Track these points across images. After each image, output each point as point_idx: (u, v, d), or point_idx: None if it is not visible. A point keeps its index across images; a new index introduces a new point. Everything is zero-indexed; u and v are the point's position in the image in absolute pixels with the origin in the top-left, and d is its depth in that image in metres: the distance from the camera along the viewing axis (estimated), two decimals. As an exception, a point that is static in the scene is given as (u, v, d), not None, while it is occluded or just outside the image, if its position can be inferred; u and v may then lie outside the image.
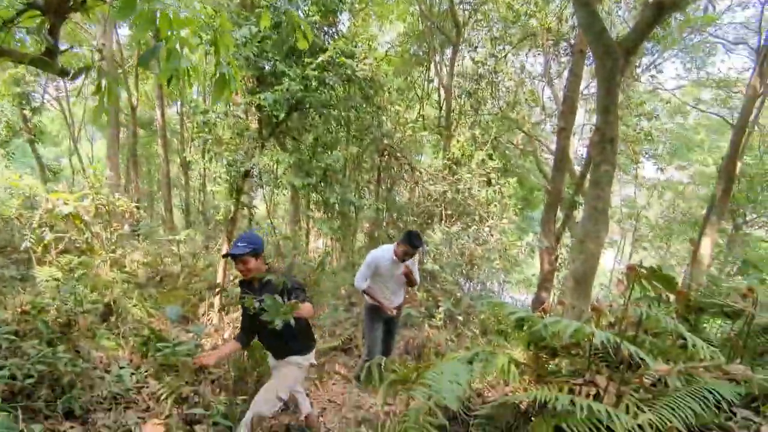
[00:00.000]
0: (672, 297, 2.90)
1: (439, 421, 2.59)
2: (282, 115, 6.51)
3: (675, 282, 2.67)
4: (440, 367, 2.77)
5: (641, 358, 2.18)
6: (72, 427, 3.35)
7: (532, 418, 2.86)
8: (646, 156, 13.07)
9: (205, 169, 17.84)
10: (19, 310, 4.22)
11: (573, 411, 2.12)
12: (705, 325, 2.76)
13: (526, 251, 7.76)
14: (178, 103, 18.77)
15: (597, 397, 2.23)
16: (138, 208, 7.44)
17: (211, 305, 6.62)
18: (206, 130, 6.50)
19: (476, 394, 3.05)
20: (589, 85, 13.66)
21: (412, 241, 4.23)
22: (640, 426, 1.99)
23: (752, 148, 12.63)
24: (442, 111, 9.39)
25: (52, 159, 20.78)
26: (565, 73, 12.65)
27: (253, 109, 6.47)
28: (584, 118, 14.46)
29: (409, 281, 4.53)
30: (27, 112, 12.99)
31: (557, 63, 12.82)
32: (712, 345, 2.40)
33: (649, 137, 10.41)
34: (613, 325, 2.84)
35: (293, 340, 3.12)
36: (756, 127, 11.33)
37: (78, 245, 5.95)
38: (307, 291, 3.18)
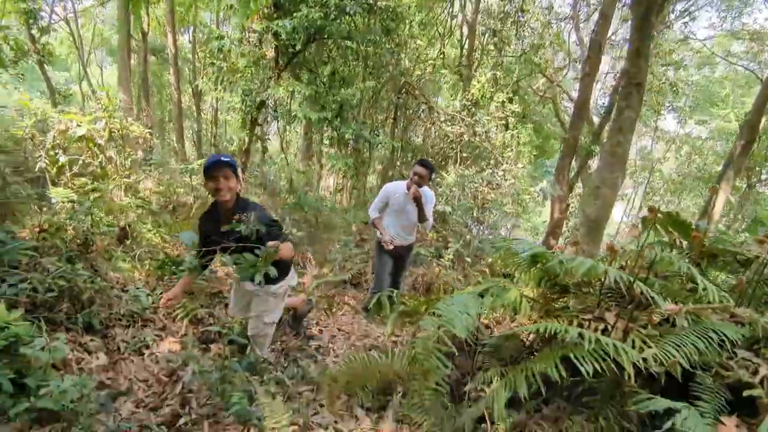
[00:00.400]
0: (685, 244, 2.93)
1: (447, 349, 2.71)
2: (299, 45, 6.34)
3: (690, 228, 2.69)
4: (451, 300, 2.87)
5: (651, 297, 2.24)
6: (92, 340, 3.52)
7: (536, 352, 2.98)
8: (668, 108, 12.70)
9: (217, 100, 17.64)
10: (37, 228, 4.32)
11: (580, 343, 2.21)
12: (717, 273, 2.80)
13: (539, 198, 7.74)
14: (190, 30, 18.25)
15: (605, 333, 2.30)
16: (151, 135, 7.41)
17: (224, 234, 6.73)
18: (221, 57, 6.37)
19: (485, 326, 3.15)
20: (617, 30, 13.08)
21: (421, 162, 4.32)
22: (644, 359, 2.08)
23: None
24: (464, 50, 9.07)
25: (62, 83, 20.53)
26: (594, 16, 12.10)
27: (270, 37, 6.29)
28: (608, 65, 13.94)
29: (420, 214, 4.48)
30: (35, 32, 12.67)
31: (586, 4, 12.24)
32: (721, 290, 2.44)
33: (675, 88, 10.07)
34: (624, 268, 2.89)
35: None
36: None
37: (92, 169, 6.00)
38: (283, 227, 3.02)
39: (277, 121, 7.04)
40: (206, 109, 19.33)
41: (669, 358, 2.09)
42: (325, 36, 6.20)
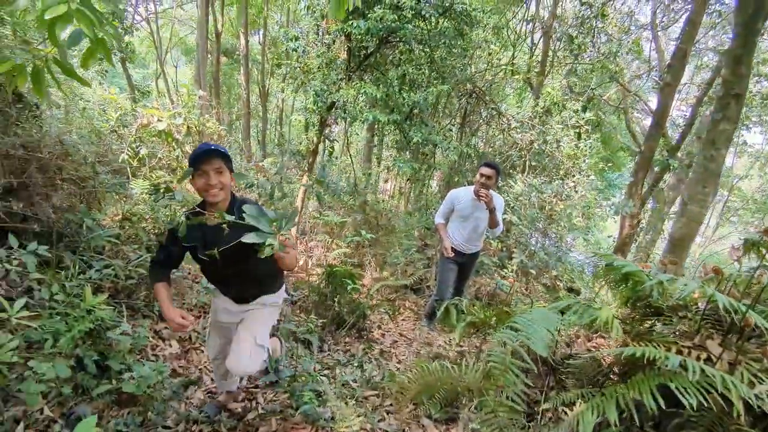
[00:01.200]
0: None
1: (524, 365, 2.58)
2: (371, 47, 6.37)
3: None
4: (530, 314, 2.74)
5: (766, 329, 2.03)
6: (165, 328, 3.65)
7: (616, 376, 2.80)
8: (756, 122, 11.82)
9: (283, 100, 18.14)
10: (119, 217, 4.54)
11: (681, 372, 2.03)
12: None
13: (610, 212, 7.38)
14: (260, 32, 18.88)
15: (707, 363, 2.11)
16: (225, 131, 7.67)
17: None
18: (295, 57, 6.49)
19: (565, 343, 3.00)
20: (700, 39, 12.33)
21: (487, 162, 4.22)
22: (757, 396, 1.88)
23: None
24: (534, 56, 8.83)
25: (140, 81, 21.80)
26: (675, 24, 11.46)
27: (343, 38, 6.36)
28: (689, 75, 13.16)
29: (491, 220, 4.36)
30: (120, 30, 13.49)
31: (666, 11, 11.60)
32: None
33: (766, 101, 9.34)
34: (723, 292, 2.65)
35: (271, 276, 2.48)
36: None
37: (168, 162, 6.27)
38: None
39: (345, 122, 7.09)
40: (272, 110, 19.92)
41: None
42: (398, 39, 6.19)
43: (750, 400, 1.85)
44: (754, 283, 2.23)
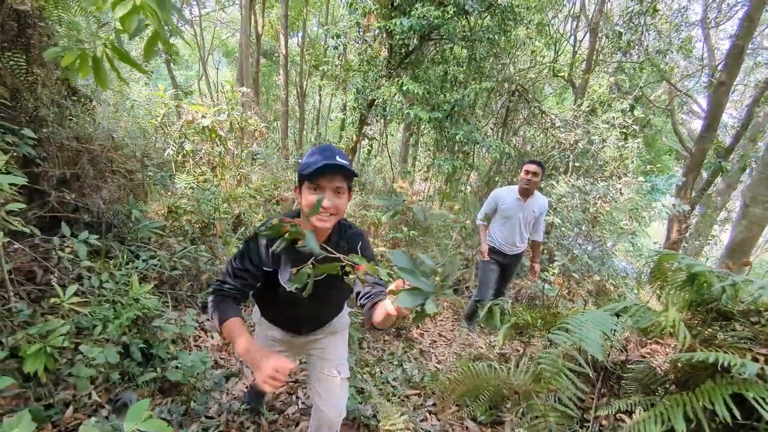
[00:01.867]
0: None
1: (577, 368, 2.46)
2: (413, 44, 6.31)
3: None
4: (583, 316, 2.61)
5: None
6: (208, 320, 3.68)
7: (669, 384, 2.63)
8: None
9: (320, 101, 18.32)
10: (164, 210, 4.63)
11: (756, 381, 1.88)
12: None
13: (660, 216, 7.08)
14: (299, 34, 19.12)
15: None
16: (266, 129, 7.78)
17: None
18: (336, 56, 6.49)
19: (618, 348, 2.85)
20: (756, 37, 11.75)
21: (533, 160, 4.17)
22: None
23: None
24: (579, 54, 8.58)
25: (183, 81, 22.45)
26: (729, 21, 10.95)
27: (384, 35, 6.32)
28: (741, 75, 12.55)
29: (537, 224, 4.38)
30: (166, 31, 13.88)
31: (719, 7, 11.11)
32: None
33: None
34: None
35: (345, 298, 2.07)
36: None
37: (211, 158, 6.39)
38: None
39: (384, 121, 7.05)
40: (309, 110, 20.14)
41: None
42: (440, 36, 6.11)
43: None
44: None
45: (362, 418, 2.61)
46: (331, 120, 19.29)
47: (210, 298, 1.66)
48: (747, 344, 2.11)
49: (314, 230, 1.63)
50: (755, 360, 1.97)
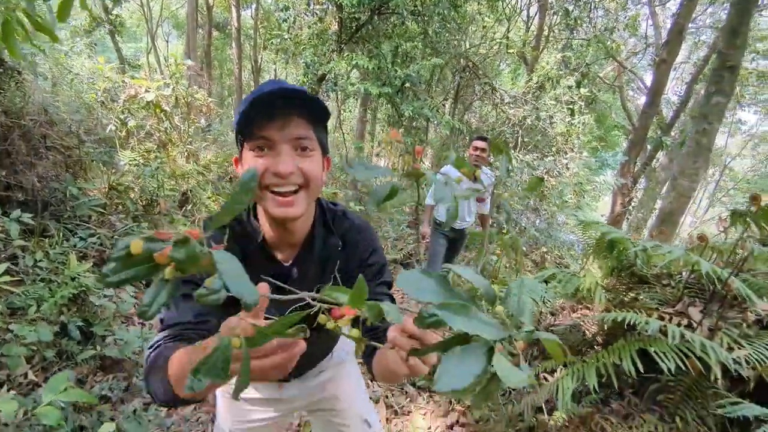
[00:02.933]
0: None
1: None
2: (363, 18, 6.25)
3: (793, 223, 2.43)
4: (515, 284, 2.74)
5: (747, 295, 2.04)
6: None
7: (600, 345, 2.81)
8: (749, 102, 11.81)
9: (276, 75, 17.89)
10: (106, 187, 4.50)
11: (660, 338, 2.05)
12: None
13: (603, 190, 7.38)
14: (253, 6, 18.50)
15: (688, 329, 2.12)
16: (215, 104, 7.56)
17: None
18: (286, 28, 6.36)
19: (549, 313, 3.01)
20: (698, 16, 12.20)
21: (480, 136, 4.29)
22: (735, 360, 1.90)
23: None
24: (530, 30, 8.71)
25: (131, 54, 21.39)
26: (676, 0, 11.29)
27: (334, 9, 6.23)
28: (686, 53, 13.06)
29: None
30: (108, 2, 13.18)
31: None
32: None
33: (762, 79, 9.30)
34: (710, 261, 2.67)
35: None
36: None
37: (157, 134, 6.19)
38: None
39: (338, 97, 6.99)
40: (265, 85, 19.64)
41: (763, 361, 1.90)
42: (390, 10, 6.07)
43: (727, 365, 1.87)
44: (738, 252, 2.23)
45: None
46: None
47: (149, 357, 0.89)
48: (657, 305, 2.28)
49: (274, 233, 1.07)
50: (661, 318, 2.13)
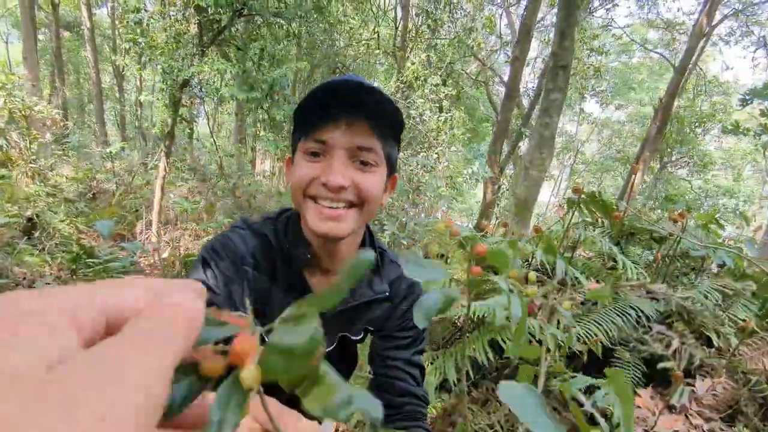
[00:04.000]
0: (606, 223, 3.05)
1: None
2: (225, 21, 6.00)
3: (612, 207, 2.79)
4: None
5: (575, 277, 2.30)
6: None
7: (468, 335, 3.01)
8: (591, 93, 13.39)
9: (140, 78, 16.57)
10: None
11: (507, 326, 2.24)
12: (635, 249, 2.94)
13: (471, 180, 7.89)
14: (108, 4, 16.93)
15: (531, 314, 2.35)
16: (66, 116, 6.82)
17: (149, 223, 6.37)
18: (138, 31, 5.91)
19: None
20: (545, 17, 13.49)
21: None
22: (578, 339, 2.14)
23: (686, 91, 13.25)
24: (398, 31, 9.01)
25: (-40, 59, 18.46)
26: (524, 1, 12.37)
27: (192, 11, 5.91)
28: (538, 49, 14.40)
29: None
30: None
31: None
32: (639, 267, 2.56)
33: (598, 72, 10.59)
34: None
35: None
36: (696, 69, 11.79)
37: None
38: None
39: (204, 103, 6.66)
40: (129, 89, 18.14)
41: (591, 336, 2.16)
42: (253, 11, 5.91)
43: (562, 343, 2.09)
44: (569, 237, 2.51)
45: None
46: (152, 98, 17.59)
47: None
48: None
49: (324, 247, 0.92)
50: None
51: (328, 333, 0.90)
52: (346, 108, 0.80)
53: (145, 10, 5.68)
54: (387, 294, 0.98)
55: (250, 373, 0.25)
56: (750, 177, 20.09)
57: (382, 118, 0.83)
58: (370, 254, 0.28)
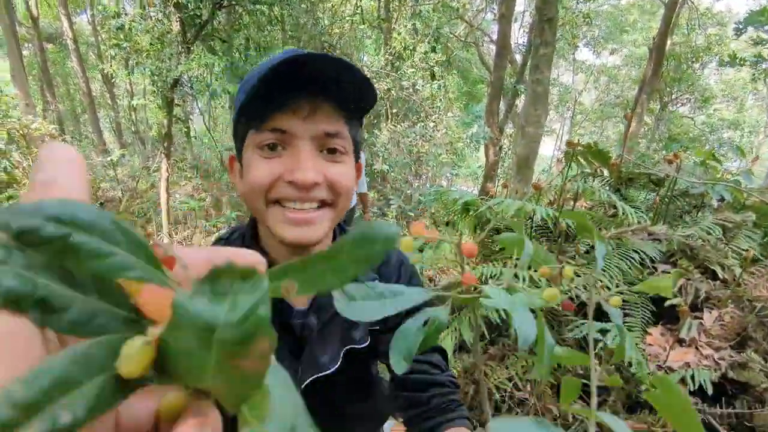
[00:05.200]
0: (606, 171, 3.08)
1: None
2: (206, 15, 5.97)
3: (609, 156, 2.82)
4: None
5: (569, 225, 2.36)
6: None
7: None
8: (583, 40, 13.14)
9: (130, 83, 16.52)
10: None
11: (515, 284, 2.32)
12: (635, 193, 2.97)
13: (471, 144, 7.88)
14: (87, 12, 16.76)
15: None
16: (62, 130, 6.86)
17: (160, 225, 6.48)
18: (121, 36, 5.91)
19: (428, 279, 3.23)
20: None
21: None
22: (576, 288, 2.20)
23: (680, 27, 12.96)
24: (381, 3, 8.88)
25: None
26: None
27: (173, 9, 5.88)
28: (525, 4, 14.11)
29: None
30: None
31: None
32: (640, 211, 2.60)
33: (588, 19, 10.39)
34: (552, 203, 3.02)
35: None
36: (687, 3, 11.53)
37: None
38: None
39: (196, 100, 6.68)
40: (121, 95, 18.10)
41: (597, 282, 2.24)
42: (233, 2, 5.87)
43: (569, 294, 2.16)
44: (567, 190, 2.55)
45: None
46: (143, 101, 17.51)
47: None
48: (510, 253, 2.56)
49: (294, 252, 0.79)
50: (516, 265, 2.41)
51: (329, 347, 0.82)
52: (305, 87, 0.67)
53: (126, 14, 5.66)
54: (377, 280, 0.75)
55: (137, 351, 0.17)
56: (753, 106, 19.76)
57: (350, 92, 0.69)
58: (392, 229, 0.20)
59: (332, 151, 0.71)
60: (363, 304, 0.36)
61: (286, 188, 0.69)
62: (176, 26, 6.03)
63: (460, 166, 7.35)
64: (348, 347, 0.83)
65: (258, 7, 6.06)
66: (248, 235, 0.83)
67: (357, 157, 0.79)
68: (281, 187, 0.69)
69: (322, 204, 0.72)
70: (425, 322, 0.40)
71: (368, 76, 0.69)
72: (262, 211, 0.73)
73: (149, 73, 5.37)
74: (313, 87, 0.67)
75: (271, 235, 0.74)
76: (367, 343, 0.85)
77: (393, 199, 6.60)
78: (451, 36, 11.04)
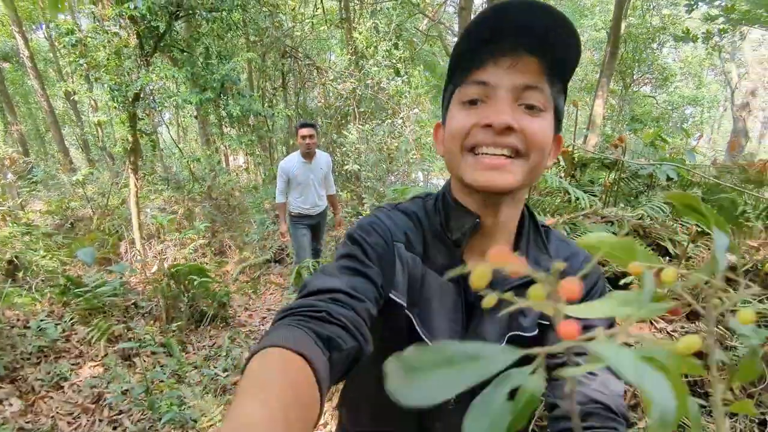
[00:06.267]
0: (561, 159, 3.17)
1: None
2: (162, 26, 5.91)
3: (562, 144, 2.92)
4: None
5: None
6: (1, 387, 3.29)
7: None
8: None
9: (94, 99, 16.19)
10: None
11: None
12: (589, 179, 3.07)
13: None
14: (43, 26, 16.36)
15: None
16: (26, 151, 6.72)
17: (132, 241, 6.40)
18: (77, 52, 5.81)
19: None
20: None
21: (302, 123, 4.42)
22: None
23: (635, 8, 13.25)
24: (342, 2, 8.89)
25: None
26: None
27: (128, 22, 5.80)
28: (486, -5, 14.25)
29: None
30: None
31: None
32: (593, 194, 2.70)
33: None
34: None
35: None
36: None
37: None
38: None
39: (160, 112, 6.61)
40: (85, 111, 17.74)
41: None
42: (190, 11, 5.82)
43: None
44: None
45: (190, 422, 2.67)
46: (105, 117, 17.16)
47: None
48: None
49: (478, 231, 0.78)
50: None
51: (490, 329, 0.78)
52: (508, 38, 0.67)
53: (80, 30, 5.57)
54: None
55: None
56: (712, 81, 20.35)
57: (555, 46, 0.67)
58: None
59: (530, 107, 0.70)
60: (429, 375, 0.25)
61: (481, 133, 0.70)
62: (133, 39, 5.95)
63: (428, 160, 7.39)
64: (514, 332, 0.79)
65: (215, 14, 6.02)
66: (446, 192, 0.83)
67: (558, 129, 0.77)
68: (477, 133, 0.71)
69: (515, 153, 0.71)
70: (511, 393, 0.26)
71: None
72: (457, 163, 0.75)
73: (108, 88, 5.30)
74: (519, 39, 0.67)
75: (464, 188, 0.76)
76: (534, 333, 0.80)
77: (366, 198, 6.64)
78: (415, 31, 11.11)
